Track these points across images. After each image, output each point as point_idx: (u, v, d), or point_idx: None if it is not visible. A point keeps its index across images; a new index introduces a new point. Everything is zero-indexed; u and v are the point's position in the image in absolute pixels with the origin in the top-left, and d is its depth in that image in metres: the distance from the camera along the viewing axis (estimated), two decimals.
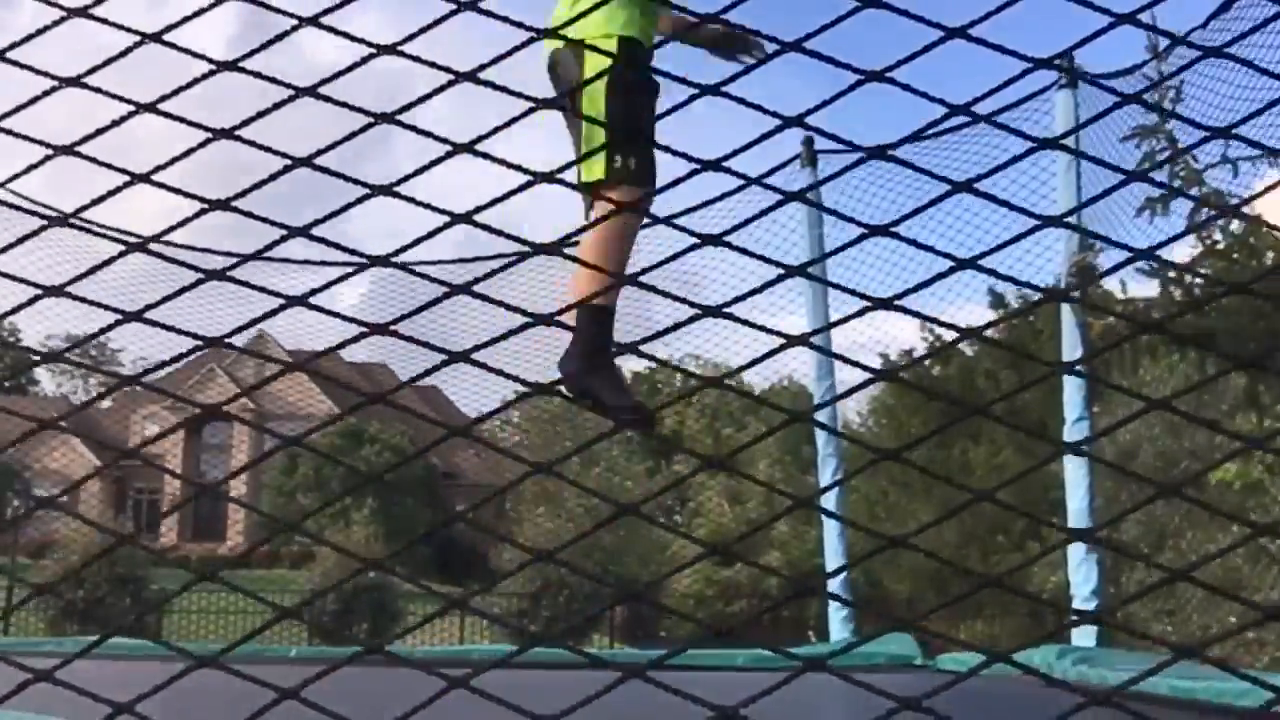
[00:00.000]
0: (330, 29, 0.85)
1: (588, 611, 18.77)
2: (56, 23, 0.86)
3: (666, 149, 0.89)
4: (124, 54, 0.85)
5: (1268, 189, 0.96)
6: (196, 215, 0.85)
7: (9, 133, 0.87)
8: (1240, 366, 0.90)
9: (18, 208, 1.18)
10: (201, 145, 0.85)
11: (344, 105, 0.85)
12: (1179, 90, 5.84)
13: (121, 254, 0.84)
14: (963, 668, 5.59)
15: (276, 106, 0.84)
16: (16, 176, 0.88)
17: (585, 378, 2.99)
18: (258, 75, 0.85)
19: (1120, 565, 8.50)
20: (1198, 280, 6.56)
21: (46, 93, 0.86)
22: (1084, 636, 5.57)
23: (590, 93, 3.02)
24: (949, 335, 18.84)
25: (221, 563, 25.01)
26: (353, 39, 0.84)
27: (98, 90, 0.85)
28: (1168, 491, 0.89)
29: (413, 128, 0.90)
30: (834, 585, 6.88)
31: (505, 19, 0.86)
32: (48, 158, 0.85)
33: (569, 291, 3.19)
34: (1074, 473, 6.13)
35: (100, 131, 0.84)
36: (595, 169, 2.97)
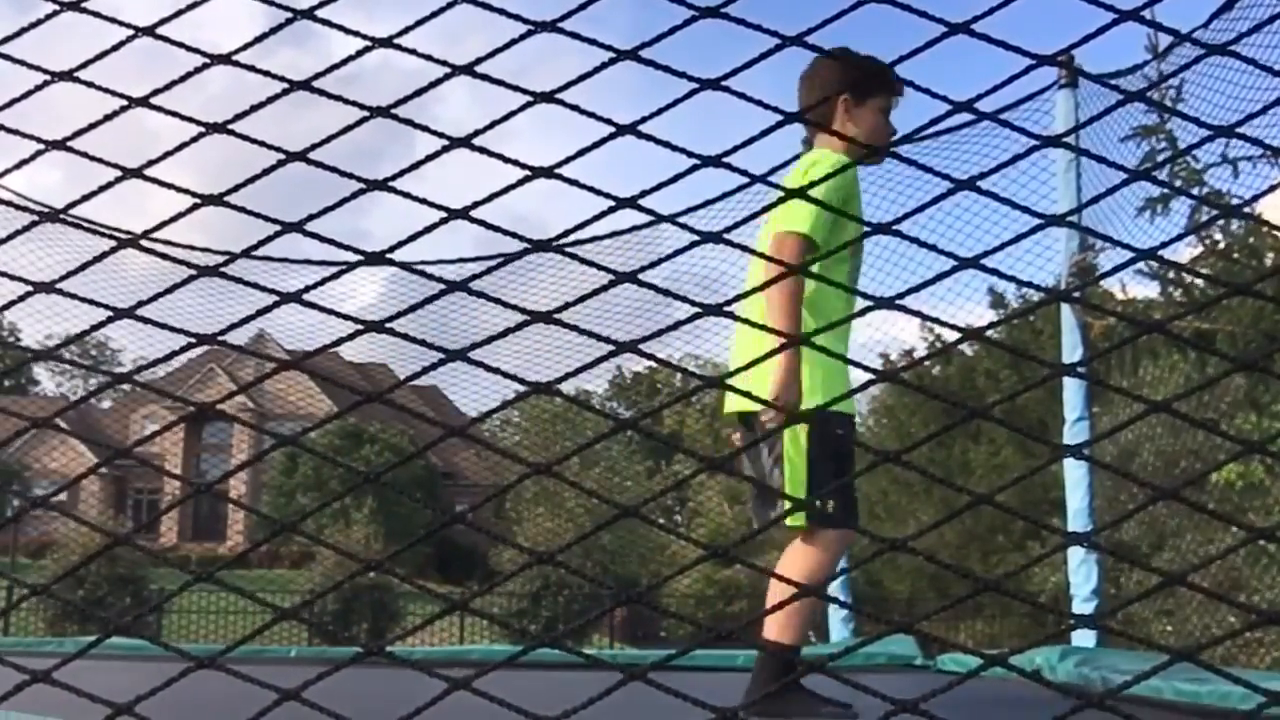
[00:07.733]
0: (326, 21, 0.84)
1: (588, 612, 18.76)
2: (49, 16, 0.86)
3: (666, 144, 0.88)
4: (116, 48, 0.84)
5: (1268, 189, 0.95)
6: (190, 210, 0.84)
7: (4, 129, 0.86)
8: (1240, 368, 0.89)
9: (20, 206, 1.17)
10: (194, 140, 0.84)
11: (338, 99, 0.84)
12: (1179, 90, 5.83)
13: (112, 250, 0.83)
14: (963, 669, 5.58)
15: (270, 100, 0.83)
16: (7, 172, 0.87)
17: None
18: (251, 68, 0.84)
19: (1121, 565, 8.50)
20: (1198, 281, 6.55)
21: (39, 87, 0.85)
22: (1084, 637, 5.56)
23: (791, 433, 2.95)
24: (950, 335, 18.85)
25: (221, 563, 25.00)
26: (348, 31, 0.84)
27: (90, 84, 0.84)
28: (1169, 496, 0.88)
29: (409, 122, 0.89)
30: (834, 588, 6.87)
31: (503, 11, 0.85)
32: (38, 153, 0.85)
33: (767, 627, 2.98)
34: (1074, 473, 6.12)
35: (92, 126, 0.83)
36: (796, 517, 2.88)
